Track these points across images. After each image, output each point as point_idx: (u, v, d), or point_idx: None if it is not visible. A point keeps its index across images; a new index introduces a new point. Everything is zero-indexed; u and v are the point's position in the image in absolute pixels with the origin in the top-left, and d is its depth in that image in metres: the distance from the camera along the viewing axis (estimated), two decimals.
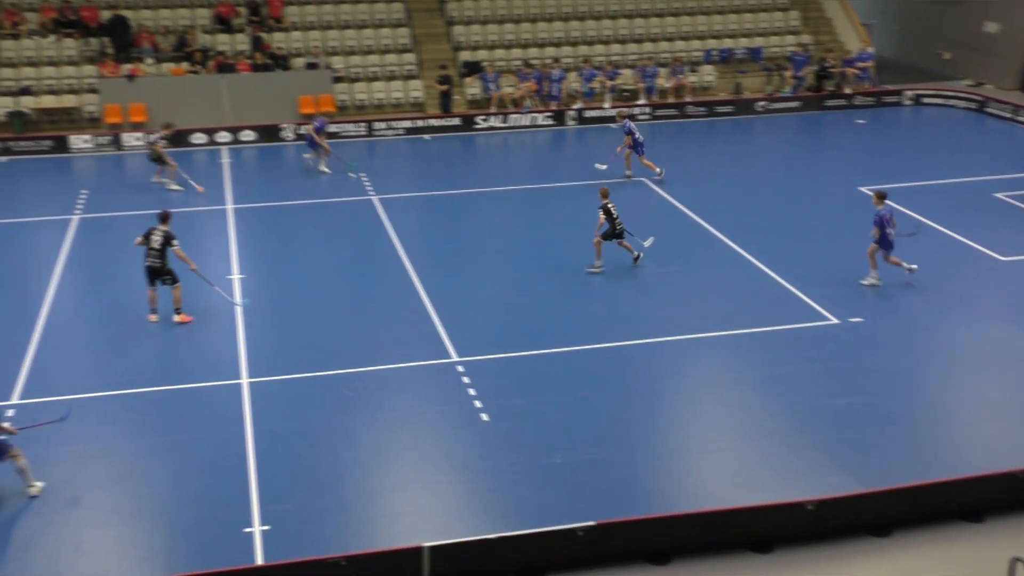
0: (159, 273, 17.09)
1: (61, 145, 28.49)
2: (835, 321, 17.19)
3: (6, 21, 31.13)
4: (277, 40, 31.76)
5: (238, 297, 18.17)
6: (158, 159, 24.54)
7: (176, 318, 17.15)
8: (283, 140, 29.27)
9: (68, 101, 29.77)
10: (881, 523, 11.92)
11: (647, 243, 19.78)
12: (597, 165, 25.46)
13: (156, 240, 16.99)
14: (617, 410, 14.43)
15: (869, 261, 18.65)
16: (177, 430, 13.95)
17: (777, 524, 11.70)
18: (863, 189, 23.95)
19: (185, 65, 30.49)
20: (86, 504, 12.43)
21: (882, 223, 18.20)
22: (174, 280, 17.16)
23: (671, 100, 31.98)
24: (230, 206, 23.46)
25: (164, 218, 17.26)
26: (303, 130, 27.59)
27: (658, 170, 24.94)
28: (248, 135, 29.32)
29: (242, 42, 31.80)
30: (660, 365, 15.79)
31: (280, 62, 30.72)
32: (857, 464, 13.09)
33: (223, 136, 29.20)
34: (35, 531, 11.94)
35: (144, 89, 29.45)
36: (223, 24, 32.23)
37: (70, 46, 30.85)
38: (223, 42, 31.75)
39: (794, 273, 19.09)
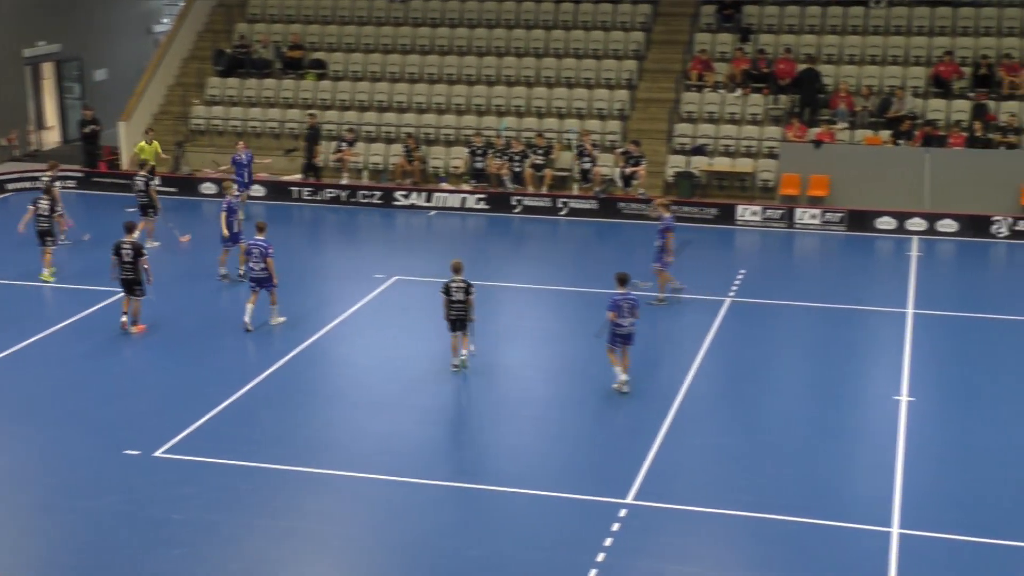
0: (132, 284, 21.96)
1: (727, 215, 30.52)
2: None
3: (693, 71, 34.14)
4: (1008, 110, 31.97)
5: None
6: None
7: (133, 329, 22.20)
8: (994, 237, 29.52)
9: (743, 166, 32.33)
10: None
11: None
12: None
13: (127, 253, 21.80)
14: None
15: None
16: (804, 572, 14.50)
17: None
18: None
19: (884, 134, 31.73)
20: None
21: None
22: (142, 292, 22.11)
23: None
24: (910, 310, 24.01)
25: (130, 229, 22.37)
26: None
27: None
28: (948, 225, 29.78)
29: (960, 110, 32.36)
30: None
31: (1006, 138, 30.99)
32: None
33: (916, 224, 29.90)
34: None
35: (830, 158, 31.08)
36: (941, 87, 33.21)
37: (756, 103, 33.62)
38: (936, 108, 32.65)
39: None
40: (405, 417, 18.86)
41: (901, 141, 31.39)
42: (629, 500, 16.02)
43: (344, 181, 32.60)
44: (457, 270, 20.08)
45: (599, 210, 30.89)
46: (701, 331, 22.55)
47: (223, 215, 24.95)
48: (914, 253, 28.38)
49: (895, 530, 15.27)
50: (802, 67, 33.32)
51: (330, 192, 32.28)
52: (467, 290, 19.97)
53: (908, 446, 17.70)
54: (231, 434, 18.11)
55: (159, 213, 28.10)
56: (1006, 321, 23.47)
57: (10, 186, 32.43)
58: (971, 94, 32.62)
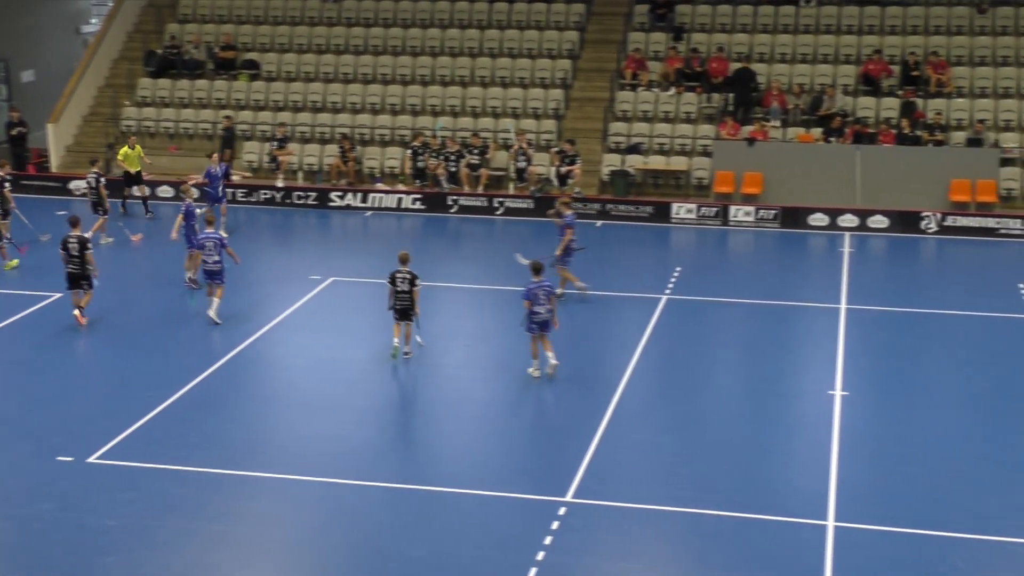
0: (79, 279, 22.31)
1: (662, 213, 30.65)
2: None
3: (627, 70, 34.27)
4: (935, 107, 32.22)
5: None
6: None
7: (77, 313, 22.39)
8: (923, 232, 29.93)
9: (678, 164, 32.51)
10: None
11: None
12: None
13: (73, 247, 22.15)
14: None
15: None
16: (742, 567, 14.58)
17: None
18: None
19: (816, 132, 32.01)
20: None
21: None
22: (90, 285, 22.43)
23: None
24: (843, 305, 24.18)
25: (75, 223, 22.63)
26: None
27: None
28: (879, 221, 30.05)
29: (890, 107, 32.65)
30: None
31: (933, 135, 31.28)
32: None
33: (848, 220, 30.26)
34: None
35: (764, 156, 31.40)
36: (870, 85, 33.60)
37: (690, 101, 33.80)
38: (866, 106, 33.10)
39: None
40: (344, 418, 18.80)
41: (832, 138, 31.80)
42: (568, 498, 16.08)
43: (279, 183, 32.40)
44: (404, 261, 20.56)
45: (535, 209, 30.97)
46: (638, 329, 22.65)
47: (179, 217, 24.67)
48: (846, 249, 28.74)
49: (831, 523, 15.42)
50: (737, 66, 33.63)
51: (264, 193, 32.06)
52: (412, 281, 20.36)
53: (843, 440, 17.87)
54: (167, 438, 17.93)
55: (108, 212, 27.97)
56: (936, 315, 23.81)
57: None
58: (899, 92, 33.05)
